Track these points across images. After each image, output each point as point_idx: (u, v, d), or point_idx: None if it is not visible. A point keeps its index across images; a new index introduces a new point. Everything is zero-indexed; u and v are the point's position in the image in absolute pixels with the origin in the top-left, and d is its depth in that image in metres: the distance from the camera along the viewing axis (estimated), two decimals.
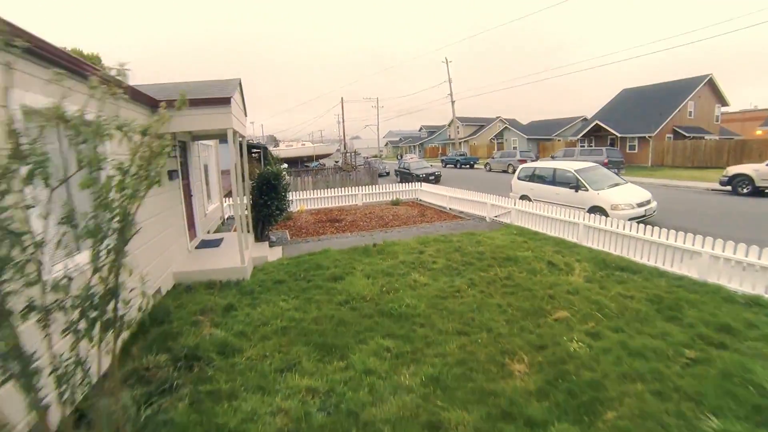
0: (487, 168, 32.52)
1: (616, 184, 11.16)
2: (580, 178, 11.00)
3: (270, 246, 9.54)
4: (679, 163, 29.20)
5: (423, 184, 16.16)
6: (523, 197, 13.02)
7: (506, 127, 47.51)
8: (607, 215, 10.04)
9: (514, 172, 30.77)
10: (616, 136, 32.29)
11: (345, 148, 37.75)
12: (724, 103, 36.34)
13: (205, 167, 11.59)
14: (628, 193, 10.63)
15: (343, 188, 15.62)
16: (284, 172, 9.72)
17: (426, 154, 68.36)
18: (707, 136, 32.54)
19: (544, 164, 12.93)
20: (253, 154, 25.96)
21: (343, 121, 39.36)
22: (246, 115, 9.71)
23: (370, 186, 16.10)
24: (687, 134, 31.50)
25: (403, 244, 8.44)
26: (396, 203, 14.47)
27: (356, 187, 15.73)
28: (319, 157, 46.85)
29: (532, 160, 29.41)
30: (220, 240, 8.96)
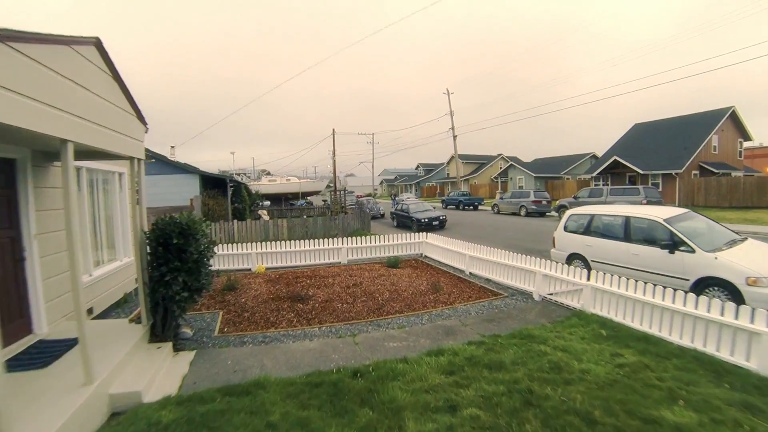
0: (495, 210, 28.76)
1: (733, 241, 7.25)
2: (676, 232, 7.12)
3: (175, 350, 5.45)
4: (713, 202, 25.61)
5: (428, 234, 12.19)
6: (573, 257, 9.10)
7: (511, 164, 44.26)
8: (739, 293, 6.12)
9: (527, 214, 27.38)
10: (638, 173, 28.96)
11: (336, 185, 34.03)
12: (746, 137, 33.53)
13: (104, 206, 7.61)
14: (765, 257, 6.68)
15: (323, 240, 11.61)
16: (204, 225, 5.70)
17: (423, 194, 65.09)
18: (733, 173, 29.37)
19: (609, 210, 9.10)
20: (230, 187, 22.16)
21: (334, 155, 35.63)
22: (145, 125, 5.83)
23: (360, 238, 12.06)
24: (715, 170, 28.25)
25: (413, 373, 4.30)
26: (394, 264, 10.32)
27: (339, 240, 11.70)
28: (306, 194, 43.07)
29: (547, 201, 25.77)
30: (72, 343, 4.76)
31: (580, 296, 6.54)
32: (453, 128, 36.75)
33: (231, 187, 21.07)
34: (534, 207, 25.00)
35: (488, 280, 8.69)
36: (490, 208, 31.20)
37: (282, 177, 43.86)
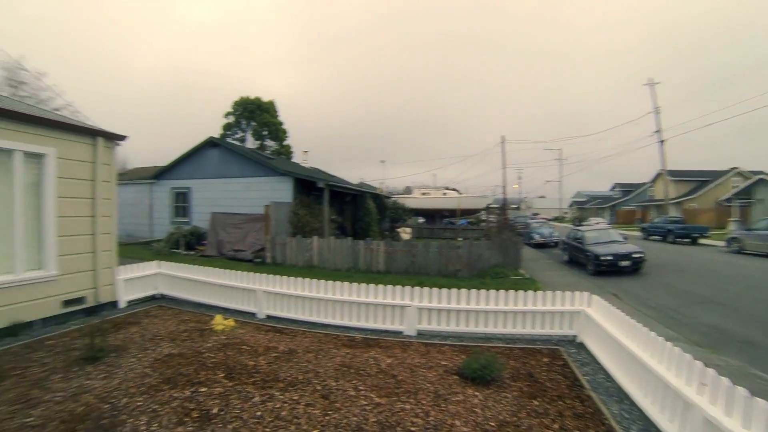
0: (734, 247, 19.03)
1: None
2: None
3: None
4: None
5: (593, 298, 6.35)
6: None
7: (761, 178, 29.93)
8: None
9: None
10: None
11: (506, 202, 28.86)
12: None
13: None
14: None
15: (376, 288, 6.52)
16: None
17: (618, 219, 52.88)
18: None
19: None
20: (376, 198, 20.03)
21: (504, 168, 30.85)
22: None
23: (447, 290, 6.68)
24: None
25: None
26: (480, 373, 4.27)
27: (408, 291, 6.36)
28: (466, 212, 37.72)
29: None
30: None
31: None
32: (660, 131, 27.21)
33: (356, 194, 18.54)
34: None
35: None
36: (722, 243, 21.12)
37: (437, 190, 39.22)
